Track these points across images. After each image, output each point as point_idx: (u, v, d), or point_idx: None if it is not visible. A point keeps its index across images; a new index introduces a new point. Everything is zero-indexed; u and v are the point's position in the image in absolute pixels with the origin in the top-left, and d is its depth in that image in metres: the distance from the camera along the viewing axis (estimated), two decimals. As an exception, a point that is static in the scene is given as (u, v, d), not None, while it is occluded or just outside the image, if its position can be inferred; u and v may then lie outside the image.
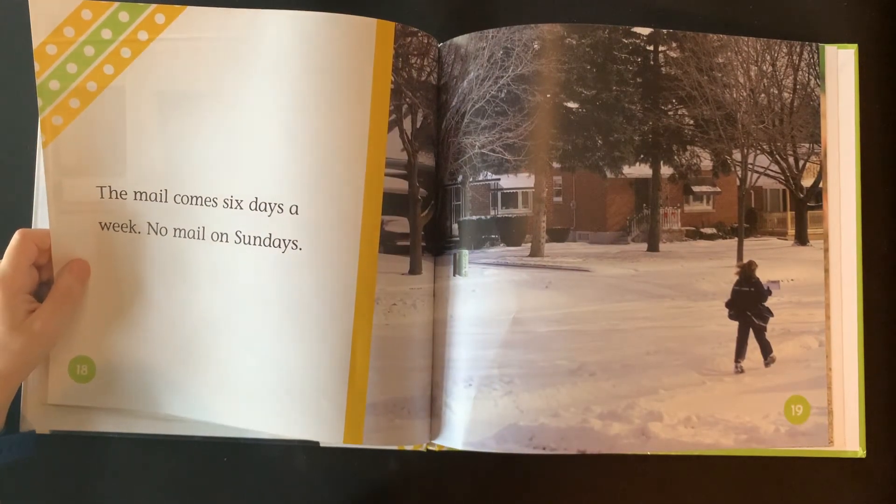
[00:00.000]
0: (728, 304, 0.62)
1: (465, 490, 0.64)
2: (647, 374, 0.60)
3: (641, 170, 0.62)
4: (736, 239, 0.63)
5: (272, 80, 0.59)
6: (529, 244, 0.61)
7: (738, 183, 0.63)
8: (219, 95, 0.60)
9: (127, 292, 0.61)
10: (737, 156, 0.63)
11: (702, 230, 0.63)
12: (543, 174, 0.61)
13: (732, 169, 0.63)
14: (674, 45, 0.63)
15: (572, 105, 0.62)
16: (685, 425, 0.60)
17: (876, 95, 0.66)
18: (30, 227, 0.65)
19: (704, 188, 0.63)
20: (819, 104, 0.65)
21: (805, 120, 0.64)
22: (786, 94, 0.64)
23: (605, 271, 0.61)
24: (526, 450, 0.58)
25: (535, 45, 0.62)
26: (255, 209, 0.59)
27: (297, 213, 0.58)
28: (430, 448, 0.63)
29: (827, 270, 0.64)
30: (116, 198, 0.60)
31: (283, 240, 0.59)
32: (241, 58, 0.59)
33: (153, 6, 0.59)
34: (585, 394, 0.59)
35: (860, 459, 0.63)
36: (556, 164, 0.61)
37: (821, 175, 0.64)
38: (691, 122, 0.63)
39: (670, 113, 0.63)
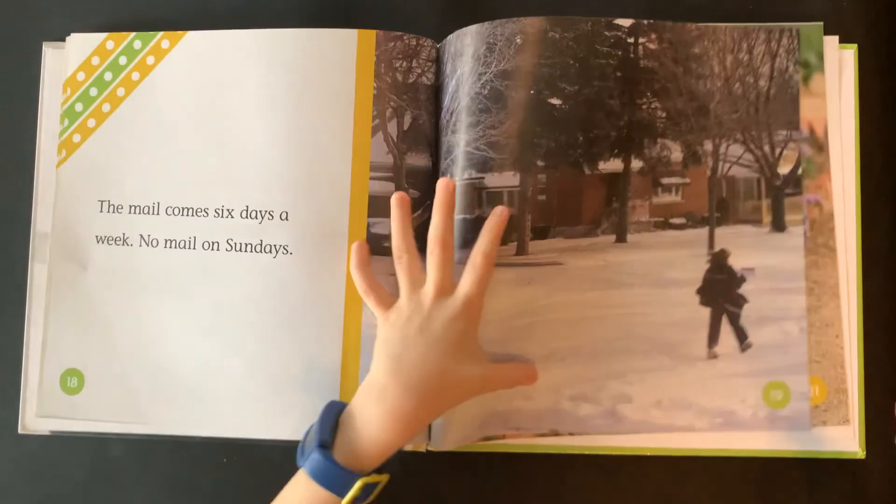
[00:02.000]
0: (699, 291, 0.64)
1: (465, 490, 0.65)
2: (617, 359, 0.63)
3: (614, 164, 0.64)
4: (706, 228, 0.64)
5: (262, 95, 0.63)
6: (515, 243, 0.63)
7: (708, 173, 0.65)
8: (212, 111, 0.64)
9: (117, 304, 0.64)
10: (708, 146, 0.64)
11: (671, 220, 0.64)
12: (528, 172, 0.62)
13: (703, 160, 0.65)
14: (653, 35, 0.64)
15: (556, 101, 0.63)
16: (656, 408, 0.63)
17: (876, 95, 0.66)
18: (28, 226, 0.65)
19: (673, 180, 0.64)
20: (797, 90, 0.65)
21: (782, 106, 0.65)
22: (762, 83, 0.65)
23: (576, 263, 0.64)
24: (502, 430, 0.63)
25: (518, 40, 0.62)
26: (247, 217, 0.63)
27: (287, 219, 0.62)
28: (430, 448, 0.63)
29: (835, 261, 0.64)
30: (113, 212, 0.64)
31: (274, 245, 0.63)
32: (233, 75, 0.64)
33: (161, 33, 0.65)
34: (556, 377, 0.63)
35: (860, 459, 0.63)
36: (540, 162, 0.63)
37: (799, 162, 0.65)
38: (663, 114, 0.64)
39: (644, 106, 0.64)
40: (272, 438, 0.63)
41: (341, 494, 0.53)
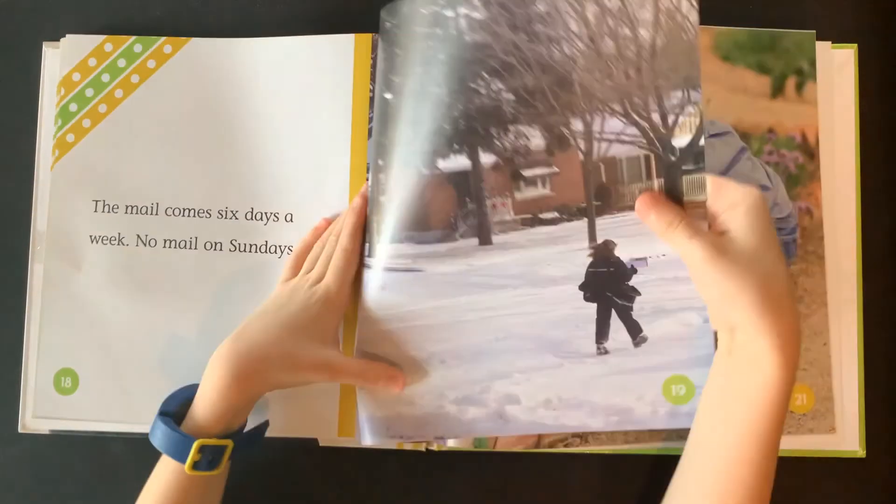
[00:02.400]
0: (582, 287, 0.56)
1: (465, 490, 0.64)
2: (499, 359, 0.59)
3: (459, 161, 0.54)
4: (585, 220, 0.54)
5: (264, 101, 0.64)
6: (367, 244, 0.59)
7: (581, 157, 0.53)
8: (214, 115, 0.64)
9: (113, 303, 0.64)
10: (577, 125, 0.52)
11: (541, 216, 0.55)
12: (371, 172, 0.59)
13: (572, 142, 0.52)
14: (476, 2, 0.50)
15: (388, 96, 0.57)
16: (545, 407, 0.59)
17: (876, 95, 0.64)
18: (28, 226, 0.65)
19: (537, 171, 0.53)
20: (695, 34, 0.49)
21: (676, 60, 0.49)
22: (643, 33, 0.49)
23: (436, 269, 0.58)
24: (386, 441, 0.61)
25: (379, 37, 0.59)
26: (252, 219, 0.64)
27: (292, 220, 0.64)
28: (430, 448, 0.62)
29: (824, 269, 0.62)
30: (108, 212, 0.64)
31: (279, 246, 0.64)
32: (235, 82, 0.64)
33: (163, 38, 0.65)
34: (438, 380, 0.60)
35: (860, 459, 0.62)
36: (379, 162, 0.58)
37: (700, 131, 0.50)
38: (511, 96, 0.52)
39: (482, 91, 0.52)
40: (271, 437, 0.62)
41: (182, 459, 0.53)
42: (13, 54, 0.68)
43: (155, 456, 0.61)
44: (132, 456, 0.65)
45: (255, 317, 0.57)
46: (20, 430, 0.64)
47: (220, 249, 0.63)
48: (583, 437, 0.59)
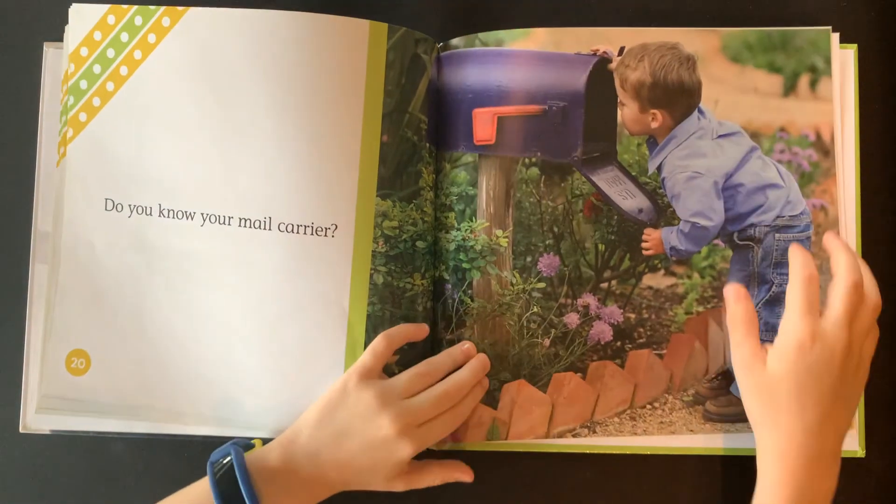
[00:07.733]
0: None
1: (465, 490, 0.63)
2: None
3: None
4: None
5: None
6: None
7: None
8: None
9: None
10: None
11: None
12: None
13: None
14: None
15: None
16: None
17: (876, 95, 0.65)
18: (29, 226, 0.65)
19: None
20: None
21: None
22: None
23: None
24: None
25: None
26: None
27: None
28: (430, 448, 0.61)
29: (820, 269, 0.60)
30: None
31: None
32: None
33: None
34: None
35: (860, 459, 0.62)
36: None
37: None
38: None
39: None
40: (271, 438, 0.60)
41: None
42: (13, 54, 0.67)
43: (154, 458, 0.64)
44: (132, 456, 0.65)
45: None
46: (21, 429, 0.64)
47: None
48: (590, 427, 0.60)
